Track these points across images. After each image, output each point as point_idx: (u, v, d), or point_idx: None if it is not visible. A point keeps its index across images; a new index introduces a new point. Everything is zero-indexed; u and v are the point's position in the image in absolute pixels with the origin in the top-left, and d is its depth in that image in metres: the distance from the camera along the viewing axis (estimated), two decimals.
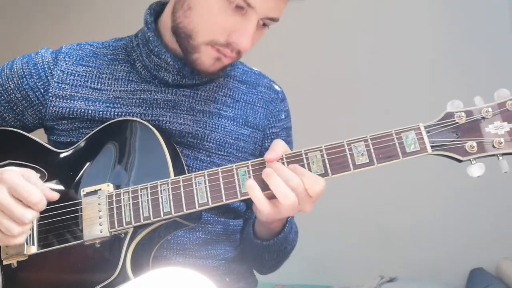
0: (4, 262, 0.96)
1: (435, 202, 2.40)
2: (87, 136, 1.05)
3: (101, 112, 1.07)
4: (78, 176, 1.01)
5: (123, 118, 1.05)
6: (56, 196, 0.94)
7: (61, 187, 1.01)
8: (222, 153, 1.10)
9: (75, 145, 1.05)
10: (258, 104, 1.16)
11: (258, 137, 1.15)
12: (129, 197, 0.95)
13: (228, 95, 1.14)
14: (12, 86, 1.09)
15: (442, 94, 2.46)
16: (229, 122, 1.11)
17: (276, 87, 1.20)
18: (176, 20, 1.04)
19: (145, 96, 1.08)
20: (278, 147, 0.93)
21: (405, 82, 2.51)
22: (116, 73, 1.10)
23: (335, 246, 2.35)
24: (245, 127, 1.13)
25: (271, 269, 1.19)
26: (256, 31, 1.01)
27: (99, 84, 1.09)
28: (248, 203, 1.14)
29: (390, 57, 2.53)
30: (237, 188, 0.93)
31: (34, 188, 0.90)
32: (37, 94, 1.08)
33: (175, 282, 0.78)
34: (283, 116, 1.19)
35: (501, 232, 2.32)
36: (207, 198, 0.93)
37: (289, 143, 1.19)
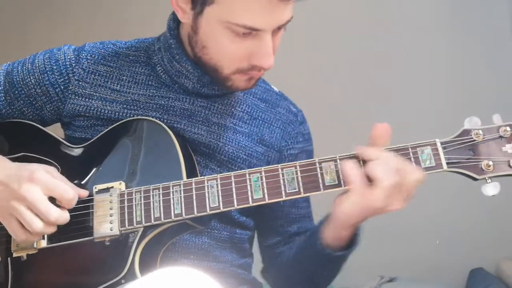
0: (14, 255, 0.97)
1: (435, 202, 2.37)
2: (101, 133, 1.05)
3: (117, 113, 1.07)
4: (91, 173, 1.02)
5: (139, 117, 1.05)
6: (86, 193, 0.97)
7: (73, 183, 1.01)
8: (233, 167, 1.08)
9: (89, 142, 1.06)
10: (276, 124, 1.14)
11: (273, 157, 1.13)
12: (141, 197, 0.95)
13: (245, 111, 1.12)
14: (33, 81, 1.09)
15: (440, 95, 2.43)
16: (243, 137, 1.10)
17: (296, 110, 1.19)
18: (197, 54, 1.04)
19: (163, 102, 1.08)
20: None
21: (401, 83, 2.50)
22: (136, 76, 1.10)
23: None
24: (260, 145, 1.12)
25: None
26: (274, 38, 0.99)
27: (119, 86, 1.09)
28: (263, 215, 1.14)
29: (386, 56, 2.51)
30: (249, 194, 0.93)
31: (67, 187, 0.93)
32: (57, 90, 1.09)
33: (180, 281, 0.79)
34: (301, 139, 1.17)
35: (501, 232, 2.30)
36: (219, 202, 0.93)
37: None
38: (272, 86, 1.20)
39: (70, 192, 0.92)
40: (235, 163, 1.09)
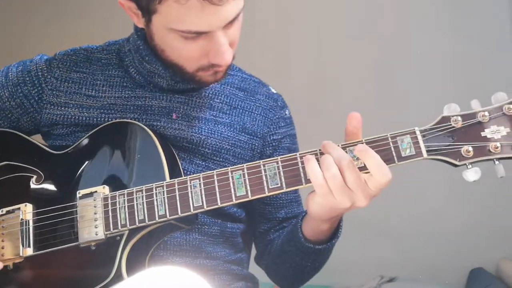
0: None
1: (435, 202, 2.39)
2: (83, 138, 1.05)
3: (95, 119, 1.07)
4: (75, 178, 1.02)
5: (120, 120, 1.05)
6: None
7: (57, 189, 1.02)
8: (218, 158, 1.09)
9: (72, 147, 1.05)
10: (256, 112, 1.15)
11: (257, 144, 1.13)
12: (124, 200, 0.95)
13: (224, 102, 1.13)
14: (6, 94, 1.10)
15: (439, 95, 2.44)
16: (225, 128, 1.11)
17: (275, 95, 1.19)
18: (161, 56, 1.04)
19: (140, 102, 1.08)
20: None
21: (401, 83, 2.51)
22: (110, 79, 1.10)
23: (335, 246, 2.33)
24: (242, 133, 1.12)
25: (306, 279, 1.14)
26: (230, 32, 0.98)
27: (94, 91, 1.09)
28: (256, 208, 1.14)
29: (386, 56, 2.52)
30: (232, 192, 0.93)
31: None
32: (31, 102, 1.09)
33: (168, 280, 0.79)
34: (282, 124, 1.17)
35: (501, 232, 2.31)
36: (202, 201, 0.93)
37: (295, 150, 1.18)
38: (251, 75, 1.21)
39: None
40: (219, 155, 1.09)
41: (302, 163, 0.91)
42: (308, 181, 0.91)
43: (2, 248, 0.97)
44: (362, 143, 0.90)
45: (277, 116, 1.17)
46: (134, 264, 0.95)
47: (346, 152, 0.89)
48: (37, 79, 1.09)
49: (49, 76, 1.10)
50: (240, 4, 0.96)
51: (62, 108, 1.08)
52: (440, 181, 2.30)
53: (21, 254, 0.96)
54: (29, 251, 0.96)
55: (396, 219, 2.41)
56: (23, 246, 0.96)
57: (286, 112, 1.20)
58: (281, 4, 2.58)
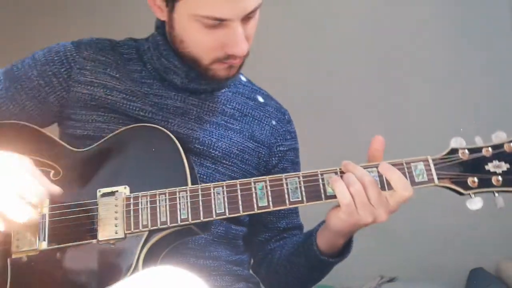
0: (14, 256, 0.96)
1: (435, 202, 2.40)
2: (105, 138, 1.07)
3: (118, 103, 1.11)
4: (94, 176, 1.02)
5: (143, 124, 1.07)
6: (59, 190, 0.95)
7: (75, 185, 1.02)
8: (227, 162, 1.14)
9: (91, 146, 1.06)
10: (265, 122, 1.21)
11: (263, 153, 1.19)
12: (147, 201, 0.97)
13: (236, 108, 1.19)
14: (35, 73, 1.11)
15: (439, 95, 2.44)
16: (235, 134, 1.16)
17: (283, 109, 1.26)
18: (178, 49, 1.11)
19: (157, 100, 1.13)
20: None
21: (402, 84, 2.51)
22: (131, 73, 1.15)
23: None
24: (251, 140, 1.18)
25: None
26: (247, 26, 1.05)
27: (118, 74, 1.13)
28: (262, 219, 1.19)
29: (386, 56, 2.52)
30: (254, 201, 0.97)
31: (38, 186, 0.90)
32: (60, 80, 1.11)
33: (165, 281, 0.80)
34: (288, 137, 1.24)
35: (501, 232, 2.32)
36: (225, 208, 0.97)
37: (297, 164, 1.25)
38: (260, 88, 1.27)
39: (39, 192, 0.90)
40: (228, 159, 1.14)
41: (323, 180, 0.97)
42: (328, 197, 0.97)
43: (17, 240, 0.96)
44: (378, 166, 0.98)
45: (284, 129, 1.23)
46: (148, 264, 0.96)
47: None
48: (65, 58, 1.12)
49: (77, 56, 1.13)
50: (258, 1, 1.04)
51: (89, 87, 1.11)
52: None
53: (36, 247, 0.96)
54: (44, 245, 0.96)
55: (396, 219, 2.42)
56: (38, 239, 0.96)
57: (292, 127, 1.27)
58: (282, 7, 2.50)
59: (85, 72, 1.12)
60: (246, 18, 1.04)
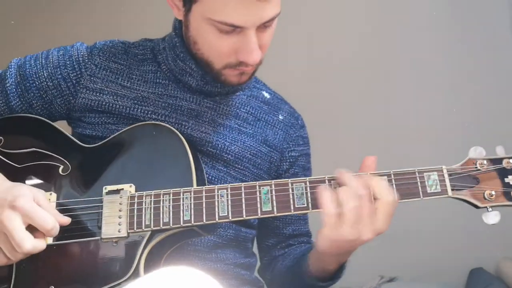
0: None
1: (435, 202, 2.39)
2: (114, 135, 1.07)
3: (128, 108, 1.10)
4: (101, 173, 1.03)
5: (152, 122, 1.07)
6: (68, 220, 0.95)
7: (82, 181, 1.03)
8: (239, 166, 1.12)
9: (101, 142, 1.07)
10: (278, 127, 1.19)
11: (275, 157, 1.17)
12: (151, 201, 0.97)
13: (250, 112, 1.16)
14: (45, 74, 1.11)
15: (440, 96, 2.41)
16: (248, 138, 1.14)
17: (296, 114, 1.24)
18: (192, 51, 1.09)
19: (171, 101, 1.11)
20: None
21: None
22: (145, 74, 1.13)
23: None
24: (263, 145, 1.16)
25: None
26: (262, 35, 1.02)
27: (129, 83, 1.12)
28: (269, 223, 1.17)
29: (386, 57, 2.51)
30: (258, 206, 0.95)
31: (47, 216, 0.91)
32: (68, 84, 1.11)
33: (181, 280, 0.79)
34: (301, 142, 1.21)
35: (501, 232, 2.24)
36: (228, 211, 0.95)
37: (308, 169, 1.23)
38: (275, 91, 1.25)
39: (49, 222, 0.90)
40: (241, 163, 1.12)
41: (331, 186, 0.94)
42: None
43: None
44: (390, 175, 0.94)
45: (296, 134, 1.21)
46: (151, 264, 0.96)
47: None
48: (77, 64, 1.11)
49: (89, 63, 1.12)
50: (277, 9, 1.01)
51: (97, 94, 1.10)
52: None
53: None
54: (49, 240, 0.97)
55: (396, 219, 2.39)
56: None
57: (305, 132, 1.24)
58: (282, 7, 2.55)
59: (96, 80, 1.11)
60: (262, 27, 1.01)
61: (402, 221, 2.44)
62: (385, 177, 0.93)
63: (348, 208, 0.88)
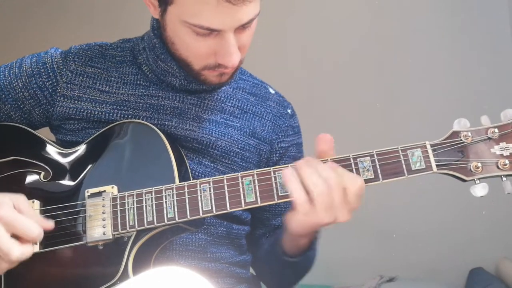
0: None
1: (435, 202, 2.40)
2: (93, 136, 1.05)
3: (107, 114, 1.07)
4: (83, 177, 1.01)
5: (130, 120, 1.05)
6: (51, 225, 0.94)
7: (65, 187, 1.02)
8: (227, 161, 1.10)
9: (81, 145, 1.05)
10: (267, 118, 1.15)
11: (264, 150, 1.14)
12: (133, 201, 0.96)
13: (236, 105, 1.13)
14: (20, 85, 1.09)
15: (439, 96, 2.46)
16: (235, 131, 1.11)
17: (286, 103, 1.20)
18: (171, 50, 1.05)
19: (152, 101, 1.08)
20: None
21: (401, 85, 2.51)
22: (124, 76, 1.10)
23: (335, 246, 2.34)
24: (252, 138, 1.13)
25: (289, 286, 1.18)
26: (241, 36, 0.99)
27: (107, 87, 1.09)
28: (257, 213, 1.16)
29: (386, 57, 2.53)
30: (242, 197, 0.93)
31: (31, 223, 0.90)
32: (45, 93, 1.08)
33: (172, 281, 0.79)
34: (291, 132, 1.18)
35: (501, 232, 2.32)
36: (211, 205, 0.94)
37: (300, 159, 1.17)
38: (262, 80, 1.21)
39: (32, 228, 0.89)
40: (228, 157, 1.09)
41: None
42: None
43: None
44: (372, 155, 0.91)
45: (286, 124, 1.17)
46: (140, 264, 0.95)
47: None
48: (52, 71, 1.09)
49: (64, 69, 1.09)
50: (256, 10, 0.97)
51: (76, 102, 1.08)
52: (440, 181, 2.31)
53: None
54: (36, 248, 0.96)
55: (396, 219, 2.41)
56: None
57: (295, 121, 1.21)
58: (283, 9, 2.56)
59: (73, 87, 1.08)
60: (241, 28, 0.97)
61: (402, 221, 2.47)
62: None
63: (317, 192, 0.86)
